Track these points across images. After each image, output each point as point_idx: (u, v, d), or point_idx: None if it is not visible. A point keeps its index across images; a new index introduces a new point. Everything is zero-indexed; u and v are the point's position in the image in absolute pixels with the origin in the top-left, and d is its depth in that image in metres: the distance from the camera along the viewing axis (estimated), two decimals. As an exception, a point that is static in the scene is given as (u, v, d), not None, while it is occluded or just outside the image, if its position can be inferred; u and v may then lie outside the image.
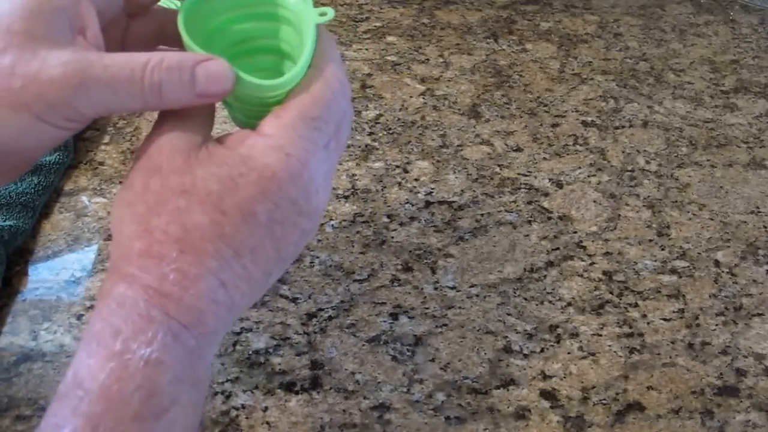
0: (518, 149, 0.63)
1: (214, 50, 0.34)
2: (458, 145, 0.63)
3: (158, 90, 0.30)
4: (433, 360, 0.47)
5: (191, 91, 0.31)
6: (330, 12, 0.34)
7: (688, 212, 0.59)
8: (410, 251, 0.54)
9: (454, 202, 0.58)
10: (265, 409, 0.44)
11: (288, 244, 0.32)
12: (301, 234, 0.32)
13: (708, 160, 0.64)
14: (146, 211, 0.30)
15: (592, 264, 0.54)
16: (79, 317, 0.48)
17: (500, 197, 0.59)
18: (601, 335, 0.50)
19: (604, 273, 0.54)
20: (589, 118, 0.67)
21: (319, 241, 0.54)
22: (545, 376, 0.47)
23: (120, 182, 0.58)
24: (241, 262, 0.30)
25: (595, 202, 0.59)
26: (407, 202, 0.58)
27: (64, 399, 0.28)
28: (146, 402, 0.28)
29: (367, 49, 0.72)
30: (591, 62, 0.74)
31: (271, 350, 0.47)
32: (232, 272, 0.30)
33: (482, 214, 0.57)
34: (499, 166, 0.62)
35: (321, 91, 0.33)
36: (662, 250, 0.56)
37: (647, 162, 0.63)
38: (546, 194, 0.60)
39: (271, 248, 0.31)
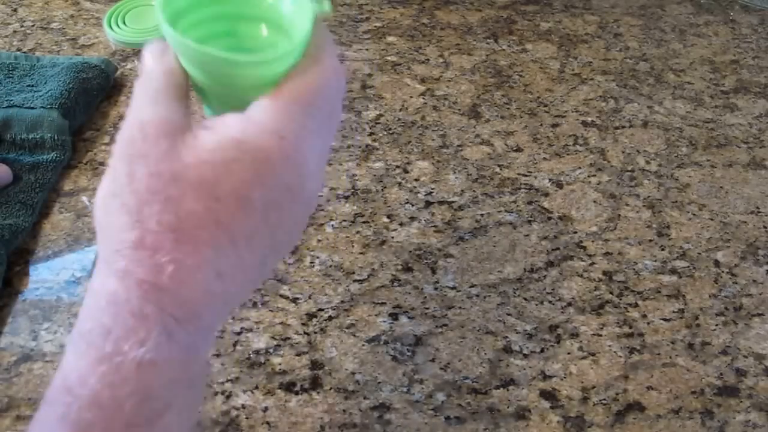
0: (518, 149, 0.63)
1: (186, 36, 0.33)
2: (458, 145, 0.63)
3: None
4: (433, 360, 0.47)
5: None
6: (328, 5, 0.33)
7: (688, 212, 0.59)
8: (410, 251, 0.54)
9: (454, 202, 0.58)
10: (265, 409, 0.44)
11: (282, 231, 0.31)
12: (295, 221, 0.32)
13: (708, 160, 0.64)
14: (136, 201, 0.29)
15: (592, 264, 0.54)
16: (79, 317, 0.48)
17: (500, 197, 0.59)
18: (601, 335, 0.50)
19: (604, 273, 0.54)
20: (589, 118, 0.67)
21: (319, 241, 0.54)
22: (545, 376, 0.47)
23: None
24: (237, 250, 0.29)
25: (595, 202, 0.59)
26: (407, 202, 0.58)
27: (52, 405, 0.27)
28: (139, 407, 0.27)
29: (367, 49, 0.72)
30: (591, 62, 0.74)
31: (271, 350, 0.47)
32: (228, 262, 0.29)
33: (482, 214, 0.57)
34: (499, 166, 0.62)
35: (316, 78, 0.32)
36: (662, 250, 0.56)
37: (647, 162, 0.63)
38: (546, 194, 0.60)
39: (266, 235, 0.30)
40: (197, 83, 0.34)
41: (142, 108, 0.31)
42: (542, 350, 0.48)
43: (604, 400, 0.46)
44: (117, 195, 0.29)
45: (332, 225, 0.56)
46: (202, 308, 0.29)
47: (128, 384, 0.26)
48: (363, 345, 0.48)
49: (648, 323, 0.51)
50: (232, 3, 0.35)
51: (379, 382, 0.46)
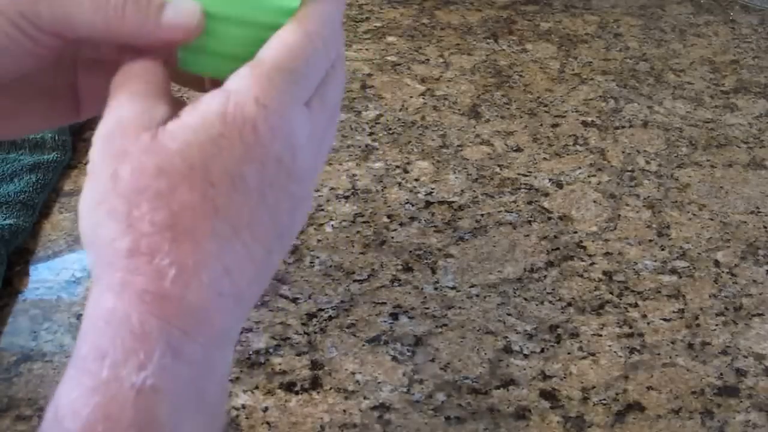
0: (518, 149, 0.63)
1: None
2: (458, 145, 0.63)
3: (122, 7, 0.29)
4: (433, 360, 0.47)
5: (156, 18, 0.29)
6: None
7: (688, 212, 0.59)
8: (410, 251, 0.54)
9: (454, 202, 0.58)
10: (265, 409, 0.44)
11: (282, 213, 0.29)
12: (293, 201, 0.29)
13: (708, 160, 0.64)
14: (123, 204, 0.26)
15: (592, 264, 0.54)
16: (79, 317, 0.48)
17: (500, 197, 0.59)
18: (601, 335, 0.50)
19: (604, 273, 0.54)
20: (589, 118, 0.67)
21: (319, 241, 0.54)
22: (545, 376, 0.47)
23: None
24: (240, 239, 0.27)
25: (595, 202, 0.59)
26: (407, 202, 0.58)
27: None
28: None
29: (367, 50, 0.73)
30: (591, 62, 0.74)
31: (271, 350, 0.47)
32: (233, 254, 0.27)
33: (482, 214, 0.57)
34: (499, 166, 0.62)
35: (300, 44, 0.29)
36: (662, 250, 0.56)
37: (647, 162, 0.63)
38: (546, 194, 0.60)
39: (267, 218, 0.28)
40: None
41: (120, 106, 0.28)
42: (542, 350, 0.48)
43: (604, 400, 0.46)
44: (101, 202, 0.27)
45: (332, 225, 0.56)
46: (213, 313, 0.26)
47: (125, 415, 0.24)
48: (363, 345, 0.48)
49: (648, 323, 0.51)
50: None
51: (379, 382, 0.46)
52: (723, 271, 0.55)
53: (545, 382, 0.47)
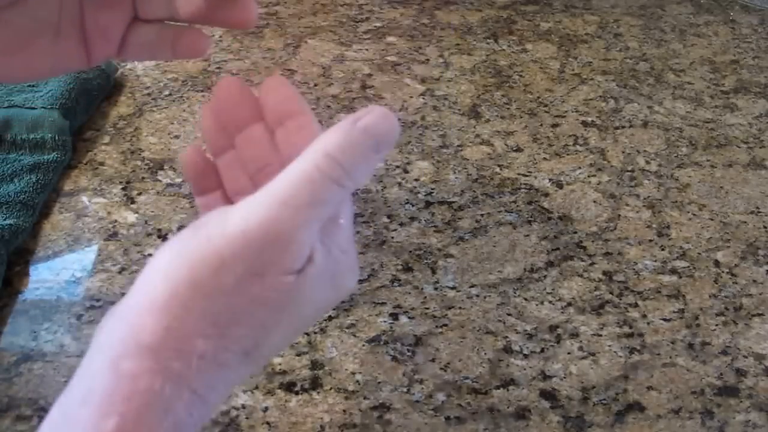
0: (518, 149, 0.63)
1: None
2: (458, 145, 0.63)
3: None
4: (433, 360, 0.47)
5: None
6: None
7: (688, 212, 0.59)
8: (410, 251, 0.54)
9: (454, 202, 0.58)
10: (265, 409, 0.44)
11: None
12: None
13: (708, 160, 0.64)
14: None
15: (592, 264, 0.54)
16: (79, 317, 0.48)
17: (500, 197, 0.59)
18: (601, 335, 0.50)
19: (604, 273, 0.54)
20: (589, 118, 0.67)
21: (319, 241, 0.54)
22: (545, 376, 0.47)
23: (120, 182, 0.58)
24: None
25: (595, 202, 0.59)
26: (407, 202, 0.58)
27: None
28: None
29: (367, 50, 0.73)
30: (591, 62, 0.74)
31: (271, 350, 0.47)
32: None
33: (482, 214, 0.57)
34: (499, 166, 0.62)
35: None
36: (662, 250, 0.56)
37: (647, 162, 0.63)
38: (546, 194, 0.60)
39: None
40: None
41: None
42: (542, 350, 0.48)
43: (604, 400, 0.46)
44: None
45: (332, 225, 0.56)
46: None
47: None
48: (363, 345, 0.48)
49: (648, 323, 0.51)
50: None
51: (379, 382, 0.46)
52: (723, 271, 0.55)
53: (545, 382, 0.47)
